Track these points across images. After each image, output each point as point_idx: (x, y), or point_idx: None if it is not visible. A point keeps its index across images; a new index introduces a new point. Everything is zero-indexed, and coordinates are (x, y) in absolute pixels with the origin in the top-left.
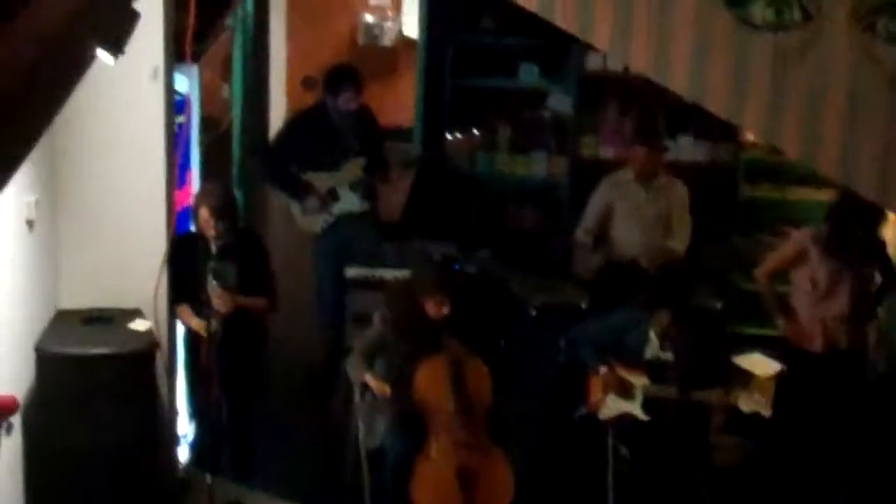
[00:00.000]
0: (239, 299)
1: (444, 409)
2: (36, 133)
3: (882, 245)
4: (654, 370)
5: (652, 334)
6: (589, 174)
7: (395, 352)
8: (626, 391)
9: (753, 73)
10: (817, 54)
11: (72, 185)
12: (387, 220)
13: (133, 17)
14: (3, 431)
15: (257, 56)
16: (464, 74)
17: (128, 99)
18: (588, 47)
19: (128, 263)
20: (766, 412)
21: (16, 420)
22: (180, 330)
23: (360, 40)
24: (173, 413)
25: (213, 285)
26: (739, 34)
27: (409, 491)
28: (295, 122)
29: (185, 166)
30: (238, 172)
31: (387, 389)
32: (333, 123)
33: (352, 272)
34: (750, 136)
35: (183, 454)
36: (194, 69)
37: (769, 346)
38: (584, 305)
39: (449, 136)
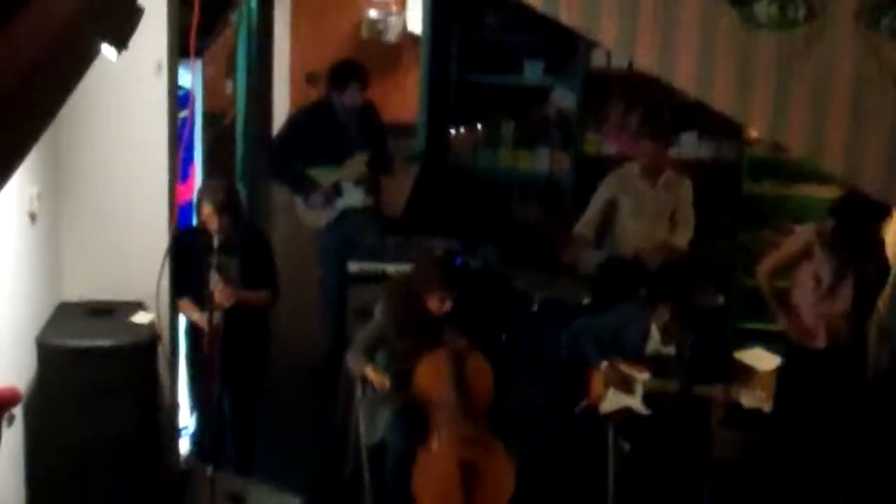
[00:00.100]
0: (241, 293)
1: (446, 403)
2: (39, 128)
3: (881, 243)
4: (656, 365)
5: (654, 329)
6: (592, 170)
7: (396, 346)
8: (627, 386)
9: (758, 70)
10: (821, 52)
11: (74, 178)
12: (390, 215)
13: (137, 12)
14: (5, 423)
15: (261, 51)
16: (468, 70)
17: (131, 94)
18: (593, 44)
19: (130, 256)
20: (767, 408)
21: (17, 412)
22: (182, 323)
23: (364, 36)
24: (174, 406)
25: (215, 279)
26: (744, 32)
27: (411, 485)
28: (299, 118)
29: (187, 160)
30: (241, 167)
31: (386, 382)
32: (337, 119)
33: (354, 266)
34: (754, 133)
35: (184, 447)
36: (198, 64)
37: (771, 342)
38: (586, 300)
39: (453, 132)
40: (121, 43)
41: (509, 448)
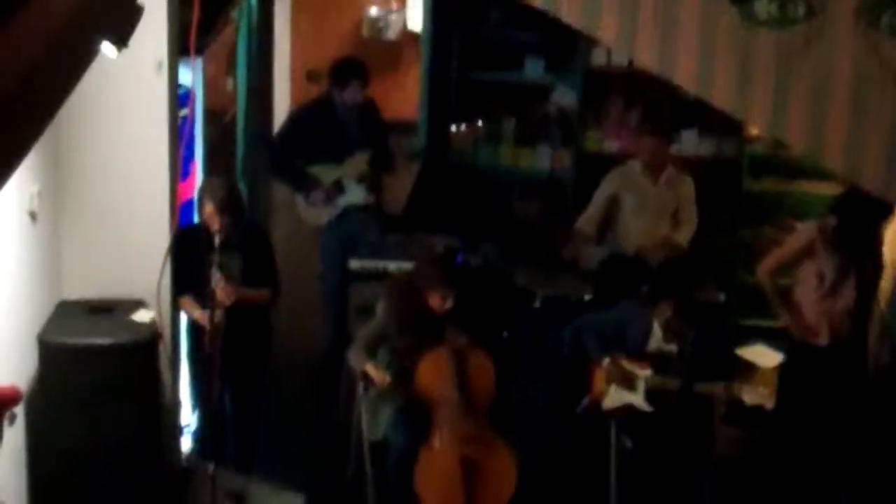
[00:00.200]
0: (242, 291)
1: (447, 400)
2: (39, 126)
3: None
4: (658, 362)
5: (655, 326)
6: (593, 168)
7: (397, 343)
8: (629, 382)
9: (758, 68)
10: (821, 50)
11: (75, 176)
12: (391, 213)
13: (137, 10)
14: (7, 422)
15: (261, 49)
16: (468, 68)
17: (132, 92)
18: (593, 42)
19: (131, 254)
20: (769, 404)
21: (19, 410)
22: (183, 321)
23: (365, 33)
24: (176, 404)
25: (216, 277)
26: (744, 30)
27: (413, 482)
28: (300, 115)
29: (188, 158)
30: (242, 165)
31: (386, 378)
32: (338, 116)
33: (355, 264)
34: (754, 130)
35: (185, 445)
36: (198, 62)
37: (771, 338)
38: (587, 297)
39: (454, 130)
40: (121, 41)
41: (511, 445)
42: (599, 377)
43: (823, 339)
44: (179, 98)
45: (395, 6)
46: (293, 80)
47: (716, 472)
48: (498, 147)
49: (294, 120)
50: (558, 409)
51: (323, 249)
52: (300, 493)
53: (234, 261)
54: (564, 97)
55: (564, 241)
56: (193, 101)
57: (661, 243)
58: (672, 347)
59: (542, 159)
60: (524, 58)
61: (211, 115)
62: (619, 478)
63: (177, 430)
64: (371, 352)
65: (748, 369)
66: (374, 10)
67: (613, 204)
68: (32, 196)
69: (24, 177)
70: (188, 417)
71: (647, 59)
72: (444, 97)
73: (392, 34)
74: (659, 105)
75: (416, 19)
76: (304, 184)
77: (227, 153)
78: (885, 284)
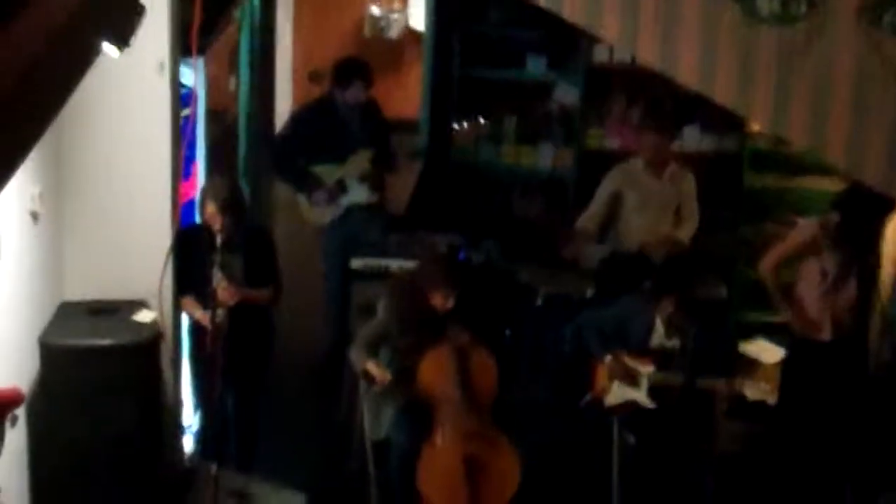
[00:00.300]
0: (244, 291)
1: (450, 398)
2: (40, 127)
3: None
4: (660, 358)
5: (658, 322)
6: (595, 165)
7: (399, 342)
8: (631, 379)
9: (760, 64)
10: (823, 47)
11: (76, 176)
12: (393, 212)
13: (138, 10)
14: (9, 424)
15: (263, 49)
16: (470, 66)
17: (134, 92)
18: (595, 39)
19: (133, 255)
20: (771, 400)
21: (20, 412)
22: (185, 321)
23: (367, 33)
24: (178, 404)
25: (218, 277)
26: (745, 26)
27: (415, 481)
28: (302, 115)
29: (190, 158)
30: (244, 165)
31: (387, 376)
32: (341, 116)
33: (357, 263)
34: (755, 126)
35: (188, 445)
36: (200, 62)
37: (772, 334)
38: (589, 294)
39: (456, 128)
40: (123, 41)
41: (514, 442)
42: (602, 374)
43: (826, 335)
44: (181, 98)
45: (396, 5)
46: (295, 79)
47: (718, 468)
48: (500, 145)
49: (296, 120)
50: (561, 405)
51: (325, 249)
52: (302, 493)
53: (236, 261)
54: (566, 95)
55: (566, 241)
56: (195, 101)
57: (663, 240)
58: (674, 343)
59: (544, 157)
60: (526, 56)
61: (213, 115)
62: (621, 474)
63: (179, 430)
64: (373, 350)
65: (750, 365)
66: (375, 9)
67: (616, 201)
68: (34, 197)
69: (25, 177)
70: (190, 418)
71: (648, 56)
72: (446, 96)
73: (394, 33)
74: (661, 102)
75: (417, 18)
76: (306, 183)
77: (229, 153)
78: (886, 280)
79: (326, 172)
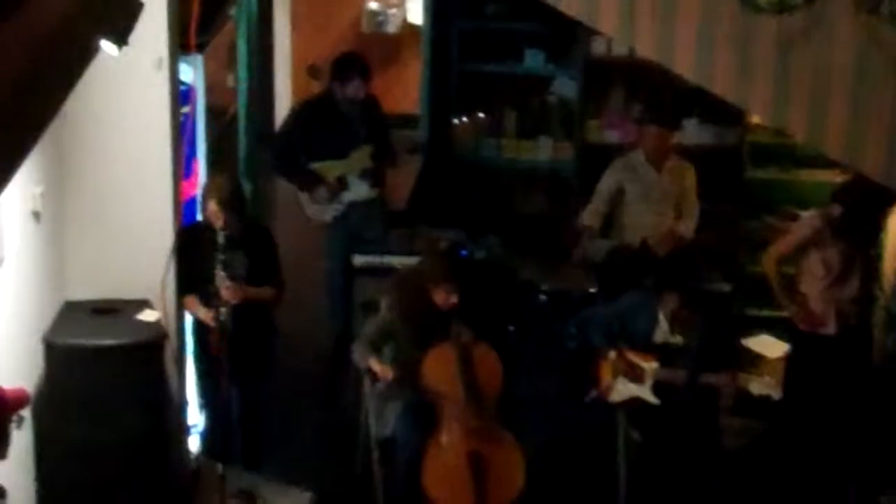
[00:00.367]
0: (247, 290)
1: (454, 395)
2: (40, 126)
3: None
4: (664, 354)
5: (661, 318)
6: (595, 158)
7: (402, 339)
8: (635, 375)
9: (758, 55)
10: (822, 37)
11: (78, 176)
12: (394, 208)
13: (136, 7)
14: (15, 425)
15: (262, 45)
16: (469, 60)
17: (133, 90)
18: (593, 32)
19: (135, 254)
20: (776, 395)
21: (25, 413)
22: (189, 320)
23: (365, 28)
24: (183, 403)
25: (221, 276)
26: (744, 17)
27: (421, 478)
28: (301, 111)
29: (191, 156)
30: (245, 162)
31: (390, 373)
32: (340, 112)
33: (359, 260)
34: (755, 119)
35: (194, 444)
36: (199, 59)
37: (774, 328)
38: (593, 290)
39: (455, 122)
40: (121, 39)
41: (519, 439)
42: (606, 370)
43: (830, 328)
44: (181, 95)
45: (394, 0)
46: (294, 75)
47: (723, 463)
48: (499, 139)
49: (296, 116)
50: (565, 402)
51: (327, 246)
52: (309, 491)
53: (238, 259)
54: (565, 88)
55: (573, 241)
56: (195, 99)
57: (667, 235)
58: (678, 339)
59: (544, 151)
60: (524, 49)
61: (213, 113)
62: (626, 470)
63: (184, 430)
64: (376, 348)
65: (755, 360)
66: (373, 4)
67: (617, 195)
68: (36, 196)
69: (27, 177)
70: (196, 417)
71: (647, 48)
72: (445, 90)
73: (392, 28)
74: (660, 94)
75: (415, 13)
76: (307, 180)
77: (229, 150)
78: (888, 273)
79: (327, 169)
